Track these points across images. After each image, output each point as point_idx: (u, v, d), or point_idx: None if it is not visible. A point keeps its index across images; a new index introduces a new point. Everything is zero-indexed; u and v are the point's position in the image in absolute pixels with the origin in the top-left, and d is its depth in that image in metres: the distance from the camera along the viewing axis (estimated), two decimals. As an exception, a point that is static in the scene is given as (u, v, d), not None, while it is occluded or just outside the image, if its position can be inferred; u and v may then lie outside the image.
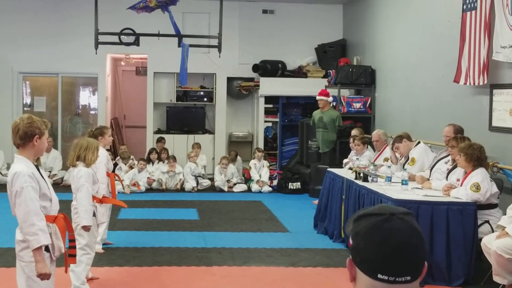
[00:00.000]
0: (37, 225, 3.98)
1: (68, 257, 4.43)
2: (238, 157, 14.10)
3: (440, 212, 6.59)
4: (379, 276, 1.76)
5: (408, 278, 1.76)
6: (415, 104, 10.40)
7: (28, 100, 14.93)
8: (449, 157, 7.70)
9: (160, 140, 14.22)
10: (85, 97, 15.66)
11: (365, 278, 1.80)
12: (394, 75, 11.57)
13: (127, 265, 6.99)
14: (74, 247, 4.50)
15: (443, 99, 9.31)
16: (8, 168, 13.66)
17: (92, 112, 15.37)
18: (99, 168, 6.73)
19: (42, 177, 4.20)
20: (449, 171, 7.46)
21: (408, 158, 8.52)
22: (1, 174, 13.42)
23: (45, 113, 14.95)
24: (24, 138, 4.16)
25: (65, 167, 13.77)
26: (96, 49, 11.20)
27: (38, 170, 4.21)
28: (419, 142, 8.60)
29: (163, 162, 13.45)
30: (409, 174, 7.87)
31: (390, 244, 1.75)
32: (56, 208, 4.26)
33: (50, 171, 13.44)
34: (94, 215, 5.93)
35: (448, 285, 6.47)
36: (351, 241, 1.85)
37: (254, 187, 13.11)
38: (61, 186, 13.09)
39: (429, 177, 7.85)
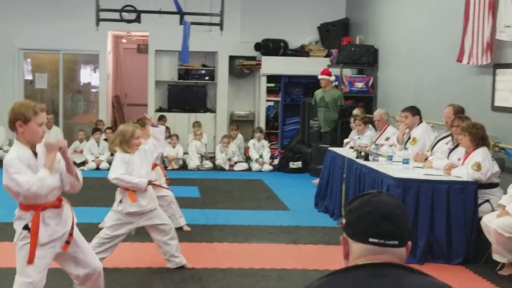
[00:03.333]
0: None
1: (65, 243, 4.43)
2: (240, 135, 14.06)
3: (441, 191, 6.59)
4: (370, 239, 2.02)
5: (396, 242, 2.03)
6: (418, 84, 10.37)
7: (29, 77, 14.90)
8: (450, 137, 7.70)
9: (161, 118, 14.20)
10: (87, 75, 15.63)
11: (359, 246, 2.05)
12: (397, 54, 11.53)
13: (129, 241, 7.01)
14: (71, 234, 4.46)
15: (446, 78, 9.28)
16: (10, 144, 13.67)
17: (93, 90, 15.35)
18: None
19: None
20: (450, 151, 7.46)
21: (410, 137, 8.52)
22: (2, 150, 13.42)
23: (47, 90, 14.94)
24: (10, 125, 4.24)
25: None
26: (97, 26, 11.17)
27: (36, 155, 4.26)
28: (421, 122, 8.58)
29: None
30: (416, 155, 7.88)
31: (378, 212, 2.03)
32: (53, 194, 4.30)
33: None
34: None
35: (448, 263, 6.50)
36: (344, 221, 2.12)
37: (255, 166, 13.13)
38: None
39: (430, 156, 7.85)
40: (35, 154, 4.25)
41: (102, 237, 6.01)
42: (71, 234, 4.43)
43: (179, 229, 7.64)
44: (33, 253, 4.21)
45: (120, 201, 5.99)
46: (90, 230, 7.51)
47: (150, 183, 6.04)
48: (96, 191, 10.13)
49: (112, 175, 5.88)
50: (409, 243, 2.10)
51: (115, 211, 6.04)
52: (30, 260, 4.21)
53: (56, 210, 4.35)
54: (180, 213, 7.72)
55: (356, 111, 11.09)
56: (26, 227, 4.24)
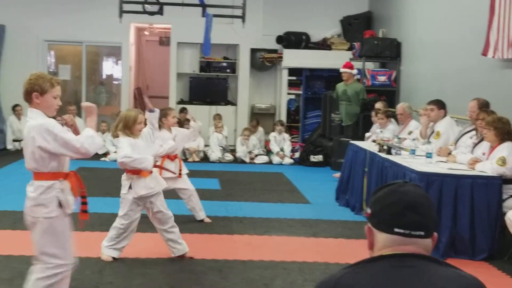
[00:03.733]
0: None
1: (81, 212, 4.50)
2: (260, 128, 14.06)
3: (465, 186, 6.50)
4: (396, 230, 1.99)
5: (422, 233, 1.99)
6: (442, 78, 10.27)
7: (52, 68, 14.98)
8: (474, 132, 7.60)
9: (183, 111, 14.21)
10: (109, 67, 15.69)
11: (383, 236, 2.02)
12: (420, 48, 11.43)
13: (150, 231, 7.02)
14: (86, 203, 4.53)
15: (470, 72, 9.17)
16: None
17: (115, 82, 15.39)
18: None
19: None
20: (475, 145, 7.36)
21: (433, 131, 8.43)
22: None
23: (70, 82, 15.02)
24: (26, 96, 4.22)
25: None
26: (120, 18, 11.18)
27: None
28: (445, 116, 8.49)
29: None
30: (440, 149, 7.78)
31: (404, 202, 1.99)
32: (67, 165, 4.33)
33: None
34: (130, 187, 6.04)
35: (471, 259, 6.41)
36: (369, 211, 2.10)
37: (275, 159, 13.10)
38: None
39: (454, 150, 7.76)
40: None
41: (118, 228, 6.05)
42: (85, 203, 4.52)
43: (199, 222, 7.66)
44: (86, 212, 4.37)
45: (130, 187, 6.01)
46: (112, 220, 7.55)
47: (155, 165, 6.11)
48: (117, 182, 10.12)
49: (121, 155, 5.89)
50: (435, 234, 2.06)
51: (126, 198, 6.06)
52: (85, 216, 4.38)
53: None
54: (200, 206, 7.73)
55: (378, 105, 11.01)
56: (59, 204, 4.25)
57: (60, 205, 4.23)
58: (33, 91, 4.15)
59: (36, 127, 4.12)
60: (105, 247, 6.09)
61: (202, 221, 7.61)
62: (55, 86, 4.22)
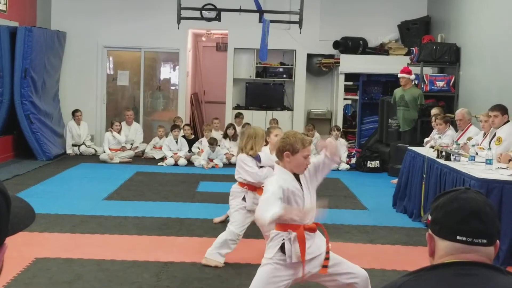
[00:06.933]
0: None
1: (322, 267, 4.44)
2: (316, 133, 14.01)
3: (526, 193, 6.36)
4: (458, 237, 1.95)
5: (485, 241, 1.95)
6: (502, 84, 10.05)
7: (111, 73, 15.25)
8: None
9: (238, 116, 14.29)
10: (166, 72, 15.86)
11: (445, 244, 1.98)
12: (480, 53, 11.21)
13: (206, 236, 7.08)
14: (328, 259, 4.46)
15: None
16: (92, 139, 14.06)
17: (172, 87, 15.57)
18: None
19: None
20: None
21: (494, 136, 8.25)
22: (85, 145, 13.80)
23: (128, 87, 15.27)
24: (277, 153, 4.35)
25: (146, 140, 14.06)
26: (178, 24, 11.32)
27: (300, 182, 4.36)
28: (507, 121, 8.30)
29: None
30: (500, 156, 7.60)
31: (467, 209, 1.95)
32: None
33: (131, 144, 13.74)
34: (243, 199, 6.21)
35: (533, 268, 6.27)
36: (430, 217, 2.04)
37: (332, 165, 13.00)
38: (142, 159, 13.38)
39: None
40: (299, 181, 4.38)
41: (232, 239, 6.16)
42: (327, 259, 4.45)
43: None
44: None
45: (243, 199, 6.20)
46: (168, 224, 7.66)
47: None
48: (174, 186, 10.28)
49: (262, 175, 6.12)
50: (498, 242, 2.02)
51: (240, 209, 6.21)
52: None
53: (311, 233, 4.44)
54: None
55: (435, 110, 10.85)
56: (282, 249, 4.28)
57: (284, 251, 4.27)
58: (285, 150, 4.26)
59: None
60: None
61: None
62: (306, 147, 4.30)
